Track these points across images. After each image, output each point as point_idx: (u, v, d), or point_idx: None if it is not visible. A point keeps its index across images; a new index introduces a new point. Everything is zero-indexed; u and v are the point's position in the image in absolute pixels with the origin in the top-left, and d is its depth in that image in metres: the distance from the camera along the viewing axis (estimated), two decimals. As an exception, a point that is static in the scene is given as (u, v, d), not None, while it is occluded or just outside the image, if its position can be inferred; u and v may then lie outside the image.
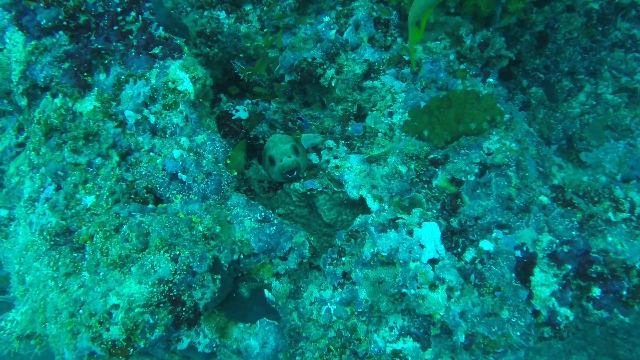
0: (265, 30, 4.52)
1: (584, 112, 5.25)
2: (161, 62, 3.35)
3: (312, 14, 4.59)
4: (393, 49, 4.29)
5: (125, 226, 2.82)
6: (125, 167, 3.26)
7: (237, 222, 3.16)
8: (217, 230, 2.95)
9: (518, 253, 3.17)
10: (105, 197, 3.10)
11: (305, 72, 4.19)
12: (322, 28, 4.40)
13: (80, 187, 3.18)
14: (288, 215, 4.04)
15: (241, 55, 4.52)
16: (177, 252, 2.70)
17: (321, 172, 3.89)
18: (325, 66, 4.19)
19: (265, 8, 4.46)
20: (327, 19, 4.46)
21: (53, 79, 3.36)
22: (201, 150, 3.25)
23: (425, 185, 3.40)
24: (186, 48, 3.43)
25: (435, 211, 3.34)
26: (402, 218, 3.29)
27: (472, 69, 4.30)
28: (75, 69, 3.35)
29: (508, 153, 3.26)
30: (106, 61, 3.40)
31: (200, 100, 3.43)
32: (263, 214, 3.22)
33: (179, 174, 3.14)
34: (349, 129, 4.15)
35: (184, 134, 3.28)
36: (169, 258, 2.67)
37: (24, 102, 3.50)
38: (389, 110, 4.08)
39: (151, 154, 3.31)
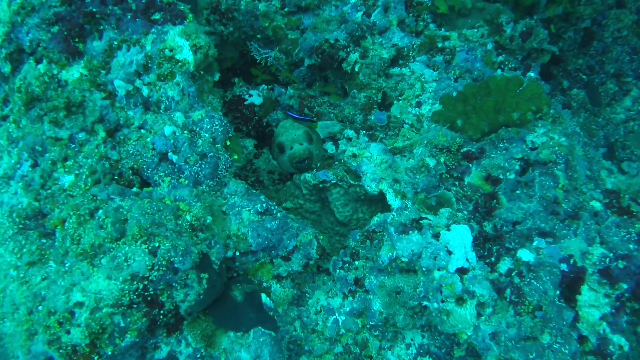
0: (285, 9, 4.36)
1: (629, 119, 5.09)
2: (159, 27, 3.05)
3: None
4: (425, 35, 4.08)
5: (100, 211, 2.46)
6: (112, 144, 2.97)
7: (233, 213, 2.93)
8: (209, 221, 2.71)
9: (564, 266, 2.87)
10: (84, 177, 2.78)
11: (327, 54, 3.97)
12: (348, 10, 4.21)
13: (59, 164, 2.93)
14: (297, 210, 3.87)
15: (258, 36, 4.32)
16: (157, 244, 2.42)
17: (337, 162, 3.70)
18: (349, 49, 3.98)
19: None
20: (354, 0, 4.25)
21: (40, 43, 3.09)
22: (197, 129, 2.96)
23: (456, 182, 3.19)
24: (191, 15, 3.16)
25: (466, 212, 3.11)
26: (427, 218, 3.08)
27: (512, 61, 4.14)
28: (66, 33, 3.07)
29: (556, 148, 2.98)
30: (101, 27, 3.15)
31: (202, 72, 3.15)
32: (265, 205, 2.99)
33: (169, 153, 2.88)
34: (372, 117, 3.94)
35: (179, 108, 2.97)
36: (147, 250, 2.38)
37: (7, 69, 3.24)
38: (417, 100, 3.87)
39: (142, 130, 3.05)
